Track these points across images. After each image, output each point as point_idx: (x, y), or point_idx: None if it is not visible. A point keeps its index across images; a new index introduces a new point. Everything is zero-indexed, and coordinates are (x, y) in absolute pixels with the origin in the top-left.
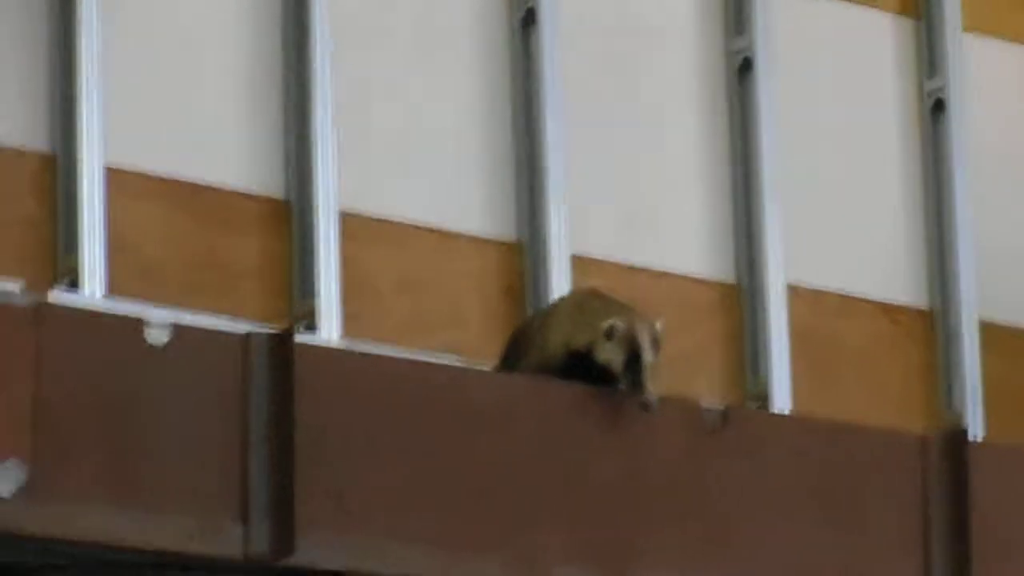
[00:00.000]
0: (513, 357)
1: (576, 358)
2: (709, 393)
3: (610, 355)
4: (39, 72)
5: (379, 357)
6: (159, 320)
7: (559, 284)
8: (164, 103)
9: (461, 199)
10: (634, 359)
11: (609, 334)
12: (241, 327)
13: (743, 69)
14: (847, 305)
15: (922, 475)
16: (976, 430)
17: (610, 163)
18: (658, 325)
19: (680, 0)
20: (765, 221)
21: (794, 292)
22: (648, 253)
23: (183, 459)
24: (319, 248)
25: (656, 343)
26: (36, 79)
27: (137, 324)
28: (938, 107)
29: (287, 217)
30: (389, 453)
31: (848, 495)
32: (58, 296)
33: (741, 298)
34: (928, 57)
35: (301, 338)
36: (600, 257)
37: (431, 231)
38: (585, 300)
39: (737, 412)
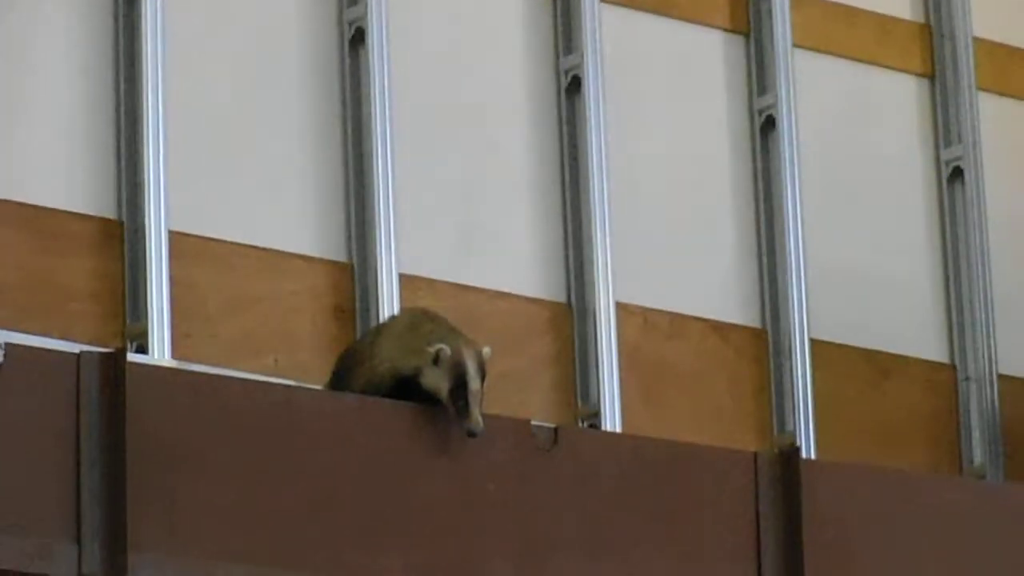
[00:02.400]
0: (342, 376)
1: (403, 382)
2: (541, 412)
3: (436, 381)
4: None
5: (210, 376)
6: None
7: (389, 304)
8: None
9: (291, 219)
10: (460, 386)
11: (436, 360)
12: (74, 348)
13: (572, 87)
14: (678, 324)
15: (754, 493)
16: (808, 447)
17: (441, 183)
18: (485, 351)
19: (510, 18)
20: (595, 240)
21: (624, 311)
22: (479, 272)
23: (15, 479)
24: (150, 269)
25: (483, 369)
26: None
27: None
28: (768, 124)
29: (119, 238)
30: (221, 473)
31: (680, 513)
32: None
33: (571, 317)
34: (758, 74)
35: (133, 358)
36: (431, 276)
37: (261, 251)
38: (416, 322)
39: (568, 431)
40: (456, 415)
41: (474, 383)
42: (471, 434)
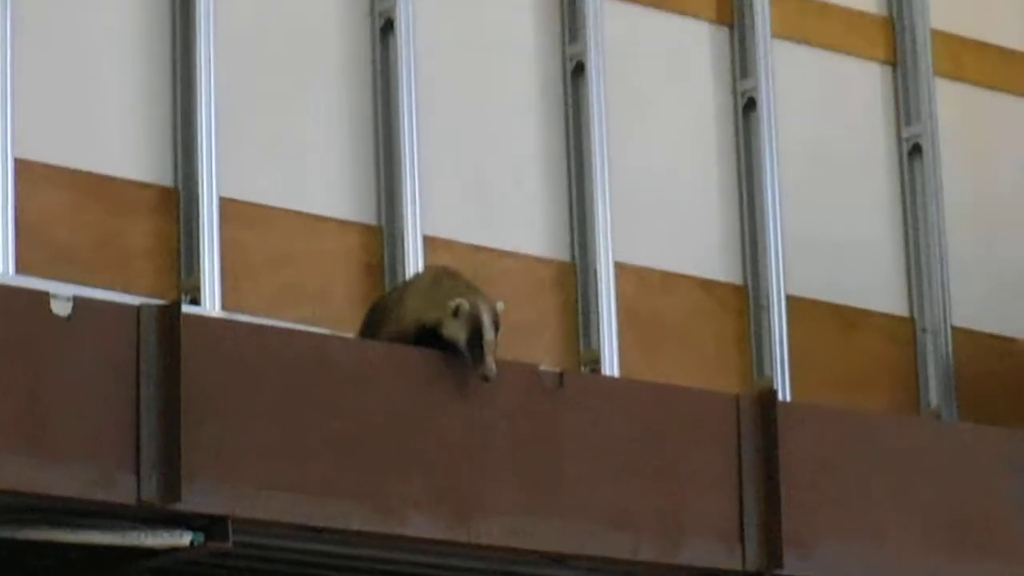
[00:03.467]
0: (372, 327)
1: (426, 332)
2: (547, 358)
3: (455, 331)
4: None
5: (255, 325)
6: (63, 293)
7: (413, 262)
8: (70, 104)
9: (327, 187)
10: (476, 336)
11: (455, 313)
12: (135, 300)
13: (576, 71)
14: (669, 281)
15: (736, 431)
16: (784, 391)
17: (460, 156)
18: (499, 306)
19: (522, 11)
20: (596, 205)
21: (621, 269)
22: (493, 234)
23: (83, 416)
24: (202, 230)
25: (496, 322)
26: None
27: (43, 297)
28: (750, 106)
29: (175, 203)
30: (263, 411)
31: (670, 448)
32: None
33: (575, 275)
34: (740, 61)
35: (187, 310)
36: (451, 238)
37: (301, 215)
38: (438, 279)
39: (572, 375)
40: (472, 362)
41: (488, 333)
42: (485, 378)
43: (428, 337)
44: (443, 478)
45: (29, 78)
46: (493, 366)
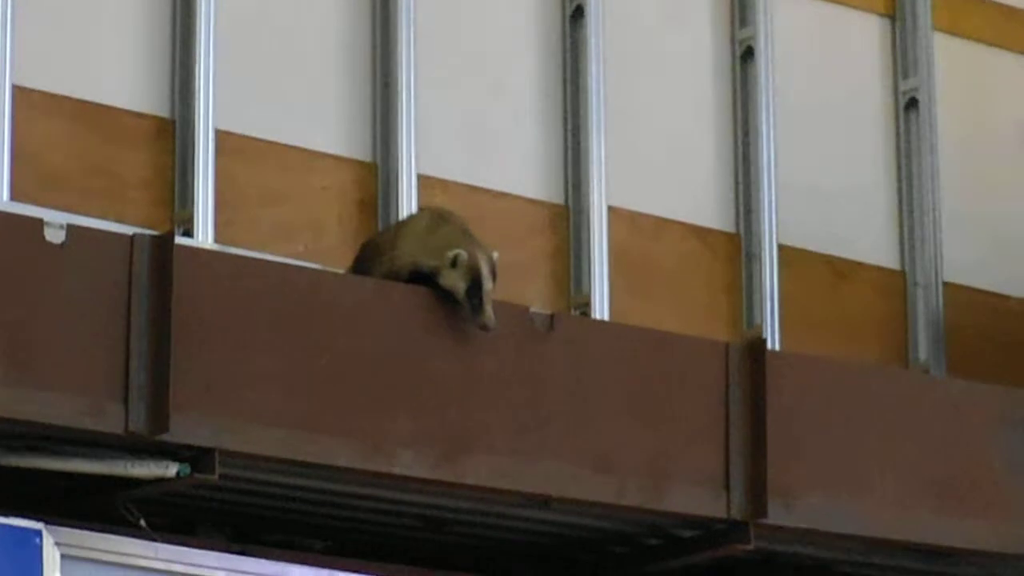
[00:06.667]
0: (364, 264)
1: (420, 276)
2: (538, 300)
3: (453, 281)
4: None
5: (247, 259)
6: (56, 221)
7: (407, 201)
8: (69, 32)
9: (324, 122)
10: (475, 286)
11: (453, 263)
12: (128, 230)
13: (576, 15)
14: (661, 226)
15: (725, 379)
16: (773, 340)
17: (457, 95)
18: (495, 255)
19: None
20: (591, 149)
21: (614, 213)
22: (488, 175)
23: (73, 345)
24: (197, 162)
25: (494, 271)
26: None
27: (37, 224)
28: (748, 55)
29: (171, 134)
30: (254, 345)
31: (659, 393)
32: None
33: (568, 218)
34: (740, 9)
35: (180, 241)
36: (446, 177)
37: (296, 149)
38: (434, 224)
39: (562, 317)
40: (471, 311)
41: (487, 284)
42: (485, 328)
43: (419, 281)
44: (431, 417)
45: (28, 5)
46: (493, 316)
